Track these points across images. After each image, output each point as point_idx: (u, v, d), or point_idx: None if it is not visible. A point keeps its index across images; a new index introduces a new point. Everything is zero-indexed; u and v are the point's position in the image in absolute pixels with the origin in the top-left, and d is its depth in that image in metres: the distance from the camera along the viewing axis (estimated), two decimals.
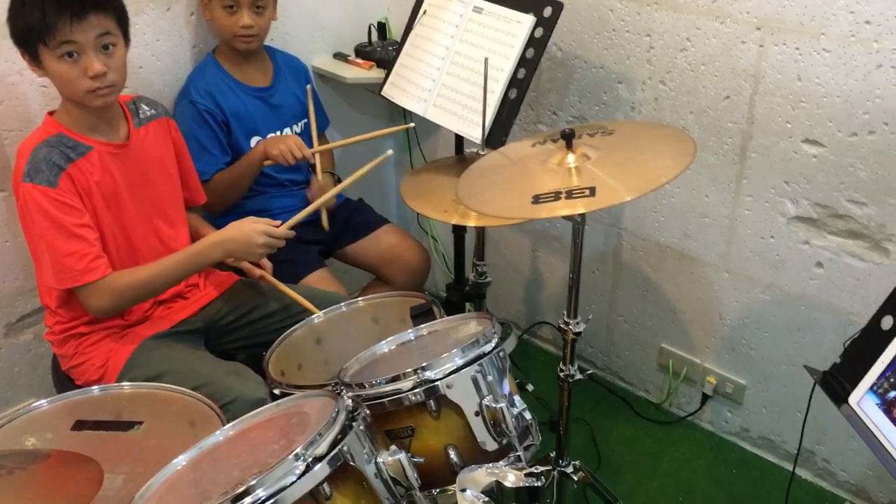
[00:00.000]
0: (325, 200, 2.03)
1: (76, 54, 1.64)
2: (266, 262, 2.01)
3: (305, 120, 2.38)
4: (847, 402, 1.38)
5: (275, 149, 2.13)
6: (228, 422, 1.41)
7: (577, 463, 2.01)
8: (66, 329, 1.86)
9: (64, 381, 1.91)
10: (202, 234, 1.99)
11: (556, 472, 1.98)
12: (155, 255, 1.85)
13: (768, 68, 1.96)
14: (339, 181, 2.46)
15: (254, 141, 2.26)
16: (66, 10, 1.61)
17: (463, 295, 2.43)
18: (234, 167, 2.21)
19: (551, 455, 1.99)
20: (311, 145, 2.29)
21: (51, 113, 1.78)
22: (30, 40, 1.65)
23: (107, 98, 1.72)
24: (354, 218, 2.47)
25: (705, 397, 2.44)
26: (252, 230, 1.80)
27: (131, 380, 1.76)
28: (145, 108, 1.91)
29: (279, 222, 1.85)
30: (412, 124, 2.20)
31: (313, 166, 2.35)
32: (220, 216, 2.23)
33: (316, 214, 2.39)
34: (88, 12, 1.63)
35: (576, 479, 1.98)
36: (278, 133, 2.31)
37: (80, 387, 1.83)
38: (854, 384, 1.37)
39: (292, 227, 1.89)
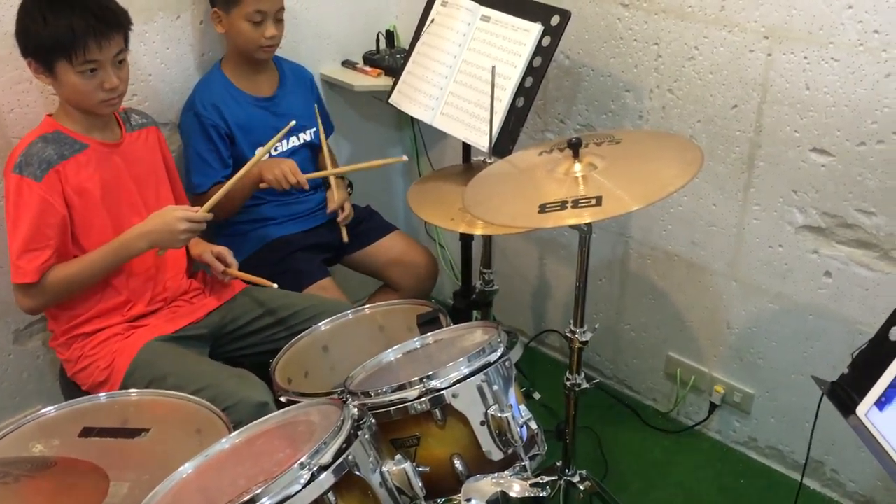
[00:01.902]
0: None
1: (96, 70, 1.74)
2: (231, 260, 2.01)
3: (314, 129, 2.38)
4: (855, 413, 1.37)
5: (269, 173, 2.13)
6: (232, 425, 1.42)
7: (584, 472, 2.00)
8: (68, 331, 1.89)
9: (71, 390, 1.92)
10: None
11: (562, 481, 1.97)
12: (148, 253, 1.88)
13: (776, 77, 1.96)
14: (352, 186, 2.47)
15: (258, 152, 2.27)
16: (94, 30, 1.70)
17: (470, 303, 2.43)
18: (229, 182, 2.18)
19: (557, 464, 1.99)
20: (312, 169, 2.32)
21: (49, 115, 1.86)
22: (51, 54, 1.71)
23: (115, 106, 1.85)
24: (362, 224, 2.47)
25: (713, 406, 2.43)
26: (173, 218, 1.81)
27: (136, 381, 1.79)
28: (136, 117, 2.00)
29: (198, 207, 1.87)
30: (405, 158, 2.18)
31: (326, 180, 2.36)
32: (233, 223, 2.27)
33: (324, 219, 2.39)
34: (112, 32, 1.74)
35: (582, 488, 1.97)
36: (284, 143, 2.31)
37: (86, 393, 1.84)
38: (862, 395, 1.37)
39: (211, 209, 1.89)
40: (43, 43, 1.71)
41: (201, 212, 1.85)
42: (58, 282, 1.79)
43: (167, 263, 2.00)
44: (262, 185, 2.16)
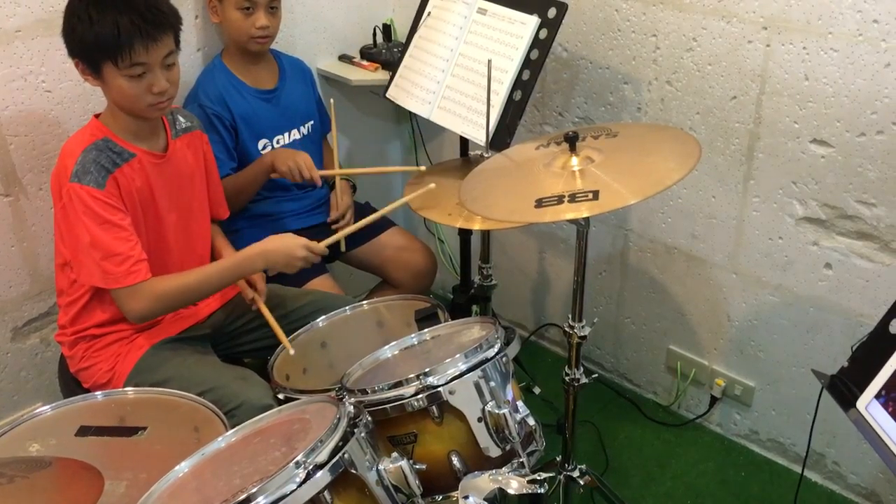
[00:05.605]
0: (370, 221, 1.98)
1: (144, 73, 1.66)
2: (262, 286, 2.00)
3: (312, 122, 2.38)
4: (855, 406, 1.36)
5: (283, 165, 2.12)
6: (233, 427, 1.41)
7: (584, 467, 1.99)
8: (78, 330, 1.86)
9: (71, 384, 1.91)
10: (217, 245, 2.03)
11: (562, 476, 1.97)
12: (181, 265, 1.87)
13: (775, 68, 1.94)
14: (355, 188, 2.45)
15: (261, 143, 2.26)
16: (141, 31, 1.62)
17: (469, 297, 2.42)
18: (240, 174, 2.20)
19: (557, 459, 1.98)
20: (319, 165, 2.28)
21: (96, 116, 1.80)
22: (97, 56, 1.65)
23: (164, 110, 1.77)
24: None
25: (714, 399, 2.42)
26: (294, 244, 1.81)
27: (138, 384, 1.76)
28: (182, 119, 1.93)
29: (318, 240, 1.85)
30: (423, 167, 2.20)
31: (332, 184, 2.35)
32: (227, 220, 2.23)
33: (324, 217, 2.38)
34: (161, 33, 1.66)
35: (582, 483, 1.96)
36: (286, 135, 2.31)
37: (87, 390, 1.84)
38: (862, 388, 1.36)
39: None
40: (88, 43, 1.64)
41: (321, 245, 1.84)
42: (168, 290, 1.76)
43: None
44: (273, 175, 2.16)
